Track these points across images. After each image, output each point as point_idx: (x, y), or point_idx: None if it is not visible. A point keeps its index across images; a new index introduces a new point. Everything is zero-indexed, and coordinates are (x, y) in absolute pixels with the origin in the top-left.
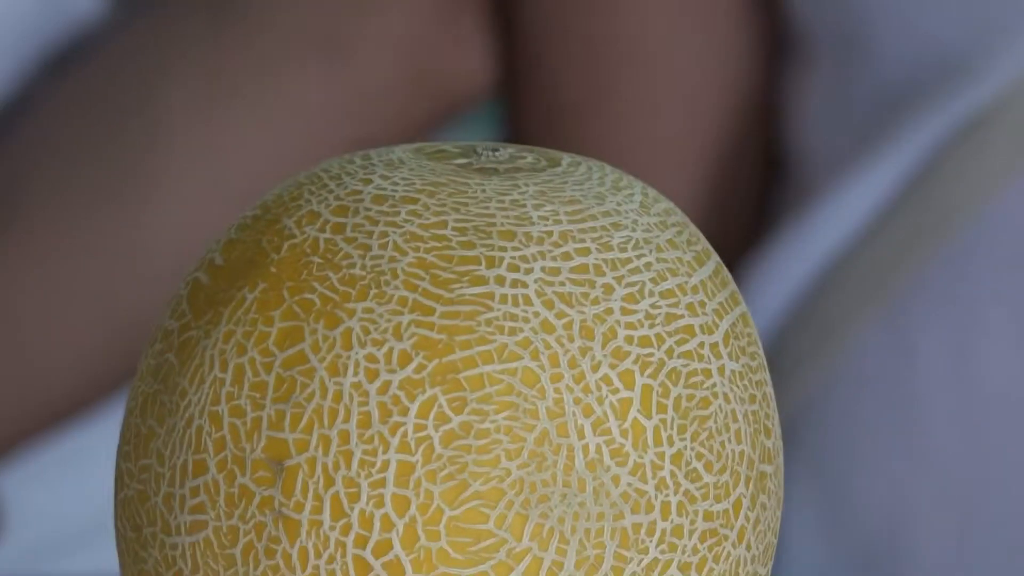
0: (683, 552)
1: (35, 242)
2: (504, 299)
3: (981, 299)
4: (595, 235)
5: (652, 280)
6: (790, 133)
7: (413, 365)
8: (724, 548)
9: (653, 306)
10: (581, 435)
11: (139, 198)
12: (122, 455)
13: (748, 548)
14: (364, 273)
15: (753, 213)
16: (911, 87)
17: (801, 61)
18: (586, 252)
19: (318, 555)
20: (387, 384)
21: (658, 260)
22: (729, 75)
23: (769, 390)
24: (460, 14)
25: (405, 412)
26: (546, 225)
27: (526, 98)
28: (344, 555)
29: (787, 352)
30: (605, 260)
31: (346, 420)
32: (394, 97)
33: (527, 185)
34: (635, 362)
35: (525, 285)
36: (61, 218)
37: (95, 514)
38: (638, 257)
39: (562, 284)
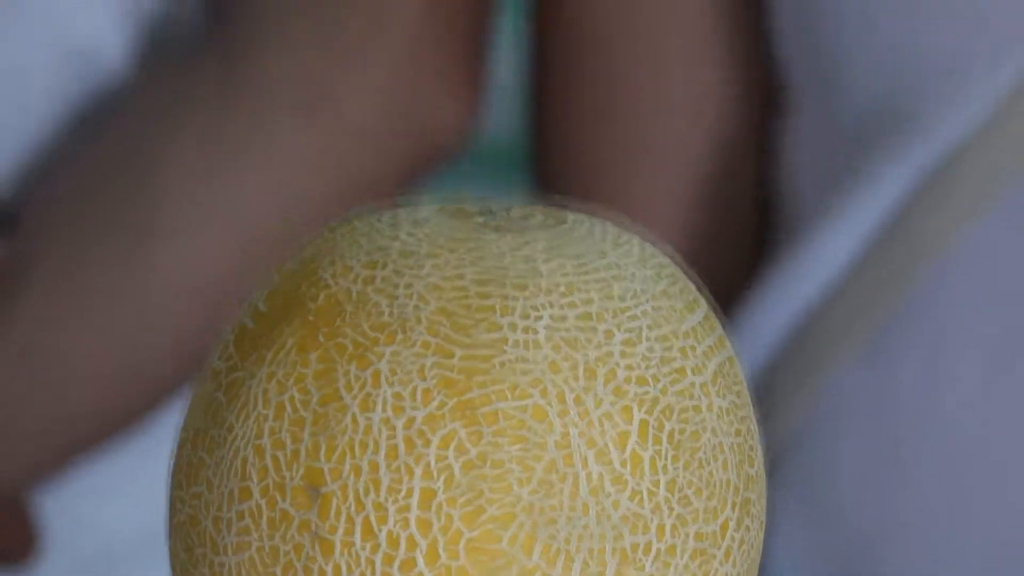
0: (675, 569)
1: (56, 286)
2: (516, 343)
3: (953, 334)
4: (597, 286)
5: (648, 326)
6: (780, 176)
7: (435, 403)
8: (712, 566)
9: (649, 349)
10: (585, 464)
11: (147, 251)
12: (175, 484)
13: (734, 565)
14: (391, 320)
15: (749, 251)
16: (886, 128)
17: (788, 106)
18: (589, 301)
19: (350, 572)
20: (412, 420)
21: (653, 308)
22: (722, 120)
23: (753, 424)
24: (440, 63)
25: (428, 444)
26: (554, 277)
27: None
28: (374, 571)
29: (776, 386)
30: (606, 308)
31: (375, 452)
32: (381, 146)
33: (537, 241)
34: (633, 399)
35: (535, 331)
36: (79, 265)
37: (135, 531)
38: (635, 306)
39: (568, 330)
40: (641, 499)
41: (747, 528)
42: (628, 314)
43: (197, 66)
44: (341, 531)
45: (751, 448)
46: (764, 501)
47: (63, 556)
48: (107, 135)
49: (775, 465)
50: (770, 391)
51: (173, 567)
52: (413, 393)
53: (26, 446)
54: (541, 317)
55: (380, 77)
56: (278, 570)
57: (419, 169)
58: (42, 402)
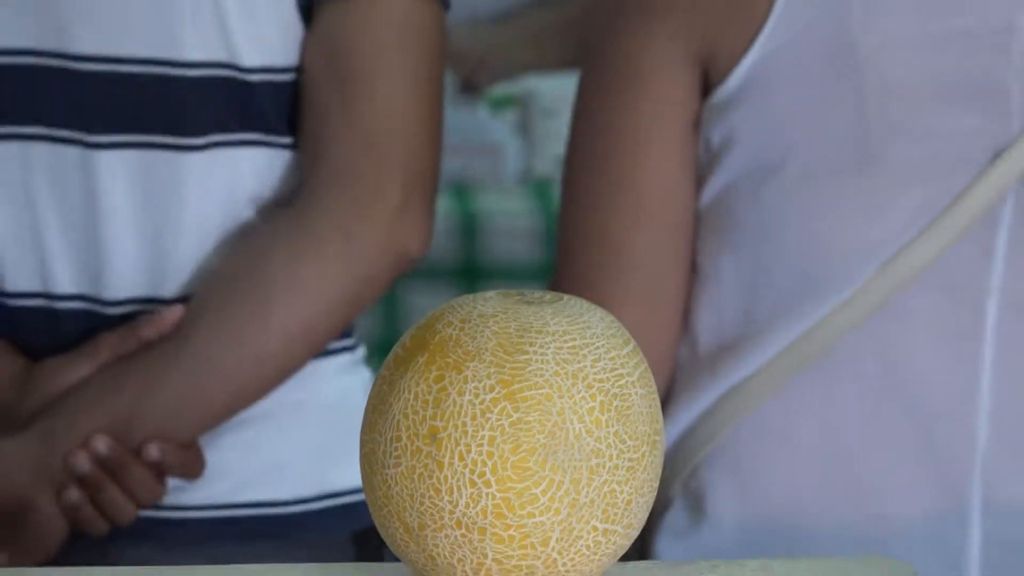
0: (616, 474)
1: (210, 331)
2: (537, 361)
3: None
4: (579, 331)
5: (604, 352)
6: (711, 294)
7: (495, 392)
8: (636, 473)
9: (604, 364)
10: (572, 424)
11: (264, 313)
12: (363, 431)
13: (646, 472)
14: (473, 349)
15: (681, 307)
16: (800, 284)
17: (727, 238)
18: (574, 339)
19: (452, 478)
20: (483, 400)
21: (606, 343)
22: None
23: (657, 403)
24: (414, 215)
25: (490, 412)
26: (557, 328)
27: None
28: (463, 479)
29: (713, 419)
30: (583, 344)
31: (464, 415)
32: (378, 266)
33: (547, 310)
34: (596, 390)
35: (547, 355)
36: (222, 320)
37: (270, 463)
38: (597, 342)
39: (563, 354)
40: (600, 440)
41: (655, 455)
42: (594, 346)
43: (285, 215)
44: (447, 457)
45: (656, 416)
46: (663, 442)
47: (220, 482)
48: (238, 252)
49: (715, 447)
50: (708, 423)
51: (363, 475)
52: (484, 387)
53: (192, 417)
54: (549, 348)
55: (380, 226)
56: (415, 477)
57: (395, 277)
58: (200, 393)
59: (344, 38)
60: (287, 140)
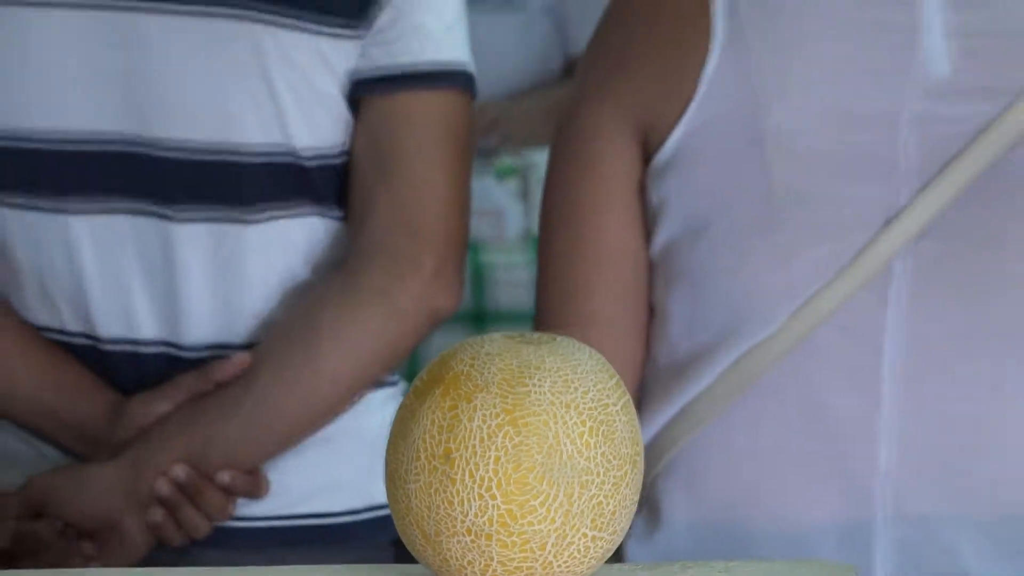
0: (602, 489)
1: (270, 377)
2: (536, 392)
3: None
4: (571, 367)
5: (592, 384)
6: (664, 329)
7: (500, 417)
8: (620, 488)
9: (592, 395)
10: (565, 445)
11: (315, 361)
12: (388, 450)
13: (629, 488)
14: (481, 383)
15: (641, 343)
16: (730, 324)
17: (672, 284)
18: (567, 374)
19: (463, 492)
20: (490, 425)
21: (594, 377)
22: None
23: (638, 427)
24: (446, 277)
25: (495, 436)
26: (552, 364)
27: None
28: (473, 493)
29: (668, 436)
30: (574, 376)
31: (474, 439)
32: (414, 322)
33: (544, 348)
34: (586, 417)
35: (544, 387)
36: (281, 367)
37: (325, 481)
38: (588, 376)
39: (558, 387)
40: (589, 460)
41: (636, 473)
42: (583, 380)
43: (335, 278)
44: (459, 474)
45: (637, 439)
46: (643, 462)
47: (285, 494)
48: (294, 308)
49: (669, 467)
50: (665, 437)
51: (387, 490)
52: (490, 415)
53: (256, 449)
54: (546, 382)
55: (416, 291)
56: (432, 491)
57: (430, 331)
58: (262, 429)
59: (387, 128)
60: (337, 212)
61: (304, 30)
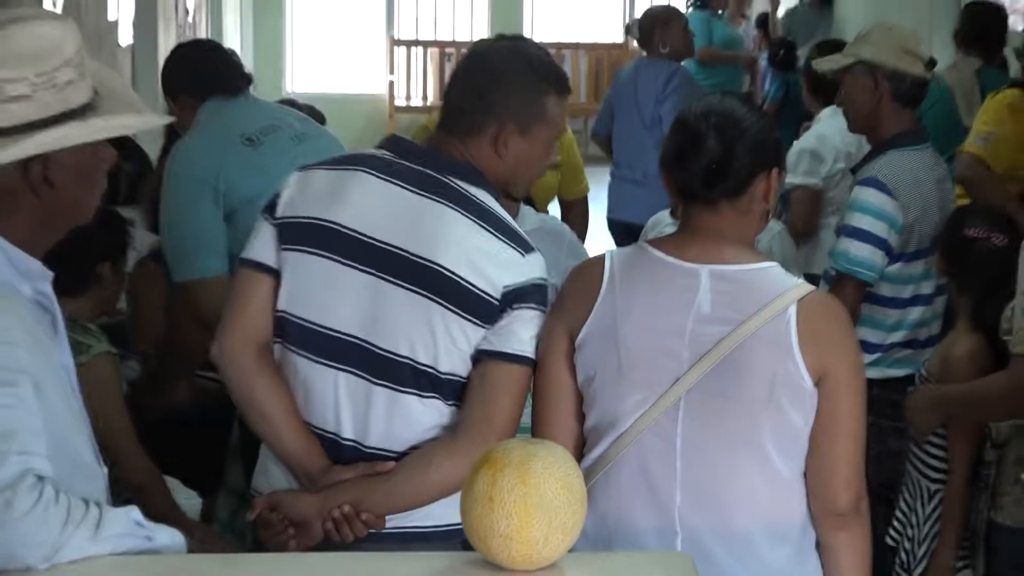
0: (566, 515)
1: (397, 478)
2: (534, 468)
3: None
4: (549, 453)
5: (561, 464)
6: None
7: (515, 479)
8: (574, 516)
9: (559, 467)
10: (547, 494)
11: (422, 479)
12: (462, 496)
13: (579, 516)
14: (507, 462)
15: (580, 435)
16: (603, 426)
17: (585, 405)
18: (547, 458)
19: (498, 516)
20: (509, 483)
21: (562, 460)
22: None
23: (583, 483)
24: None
25: (513, 490)
26: (542, 453)
27: None
28: (501, 516)
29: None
30: (553, 460)
31: (502, 491)
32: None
33: (538, 446)
34: (558, 479)
35: (538, 466)
36: (407, 477)
37: (424, 510)
38: (559, 459)
39: (544, 463)
40: (559, 501)
41: (582, 508)
42: (555, 458)
43: (445, 437)
44: (496, 509)
45: (582, 489)
46: (586, 502)
47: (401, 516)
48: (423, 449)
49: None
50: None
51: (462, 513)
52: (511, 480)
53: (386, 509)
54: (539, 462)
55: (480, 449)
56: (483, 516)
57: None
58: (392, 501)
59: (488, 373)
60: (453, 402)
61: (462, 317)
